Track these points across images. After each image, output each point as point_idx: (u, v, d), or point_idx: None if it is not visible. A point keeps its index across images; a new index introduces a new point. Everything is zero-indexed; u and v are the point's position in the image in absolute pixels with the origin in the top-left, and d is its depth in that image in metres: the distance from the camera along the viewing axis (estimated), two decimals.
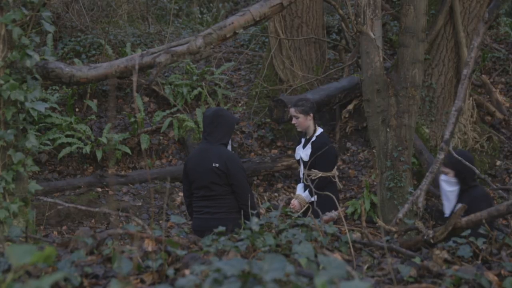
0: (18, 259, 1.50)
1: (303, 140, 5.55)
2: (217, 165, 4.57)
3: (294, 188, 8.18)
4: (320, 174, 5.31)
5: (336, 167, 5.50)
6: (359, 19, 6.50)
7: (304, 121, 5.42)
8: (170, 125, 8.99)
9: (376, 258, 2.47)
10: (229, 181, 4.59)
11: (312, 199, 5.33)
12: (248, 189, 4.63)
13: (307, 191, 5.43)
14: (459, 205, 2.70)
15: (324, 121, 9.09)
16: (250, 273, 1.55)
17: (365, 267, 2.33)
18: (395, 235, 2.88)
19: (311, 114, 5.41)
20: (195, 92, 9.30)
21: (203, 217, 4.66)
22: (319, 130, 5.47)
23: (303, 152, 5.47)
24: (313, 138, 5.42)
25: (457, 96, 4.22)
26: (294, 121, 5.47)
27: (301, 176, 5.52)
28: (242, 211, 4.51)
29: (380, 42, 6.44)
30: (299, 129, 5.52)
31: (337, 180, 5.48)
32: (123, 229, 2.52)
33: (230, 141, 4.80)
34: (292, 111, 5.46)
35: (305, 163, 5.43)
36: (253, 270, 1.54)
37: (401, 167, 6.44)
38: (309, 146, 5.43)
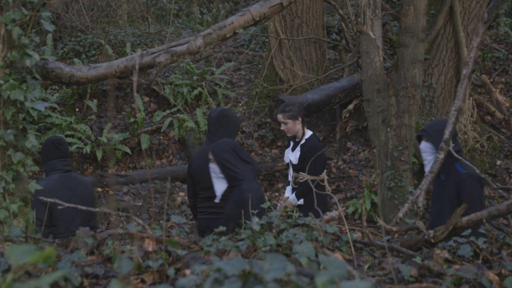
0: (18, 259, 1.49)
1: (292, 143, 5.51)
2: None
3: None
4: (307, 177, 5.27)
5: (325, 170, 5.47)
6: (359, 19, 6.49)
7: (293, 126, 5.33)
8: (170, 125, 8.99)
9: (377, 258, 2.47)
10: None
11: (299, 202, 5.33)
12: None
13: (293, 194, 5.39)
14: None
15: (324, 121, 9.09)
16: (250, 272, 1.54)
17: (366, 266, 2.33)
18: (396, 235, 2.88)
19: (300, 118, 5.35)
20: (195, 92, 9.30)
21: (208, 217, 4.66)
22: (309, 133, 5.42)
23: (292, 155, 5.43)
24: (302, 141, 5.38)
25: (457, 96, 4.21)
26: (283, 127, 5.37)
27: (290, 179, 5.50)
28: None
29: (380, 42, 6.44)
30: (289, 135, 5.43)
31: (326, 184, 5.43)
32: (123, 229, 2.52)
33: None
34: (280, 117, 5.35)
35: (294, 166, 5.40)
36: (254, 269, 1.54)
37: (401, 166, 6.44)
38: (298, 149, 5.38)
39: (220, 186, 4.34)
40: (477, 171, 4.24)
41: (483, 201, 4.39)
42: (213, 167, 4.34)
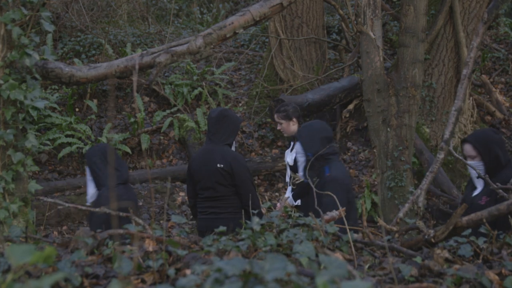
0: (18, 259, 1.49)
1: (292, 143, 5.55)
2: (222, 165, 4.55)
3: None
4: (302, 178, 5.28)
5: None
6: (359, 19, 6.49)
7: (287, 127, 5.40)
8: (171, 125, 8.99)
9: (377, 258, 2.46)
10: (234, 181, 4.57)
11: (296, 203, 5.33)
12: (252, 189, 4.60)
13: (291, 195, 5.41)
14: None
15: (325, 121, 9.08)
16: (251, 272, 1.54)
17: (366, 266, 2.33)
18: (396, 235, 2.88)
19: (294, 119, 5.38)
20: (196, 92, 9.30)
21: (208, 217, 4.65)
22: None
23: (289, 156, 5.46)
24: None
25: (457, 96, 4.22)
26: (278, 127, 5.47)
27: (287, 180, 5.53)
28: (245, 211, 4.50)
29: (380, 42, 6.43)
30: (285, 135, 5.54)
31: None
32: (123, 229, 2.51)
33: (234, 141, 4.80)
34: (275, 117, 5.47)
35: (291, 167, 5.42)
36: (254, 269, 1.54)
37: (401, 166, 6.44)
38: (295, 150, 5.42)
39: (90, 188, 4.34)
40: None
41: (351, 204, 4.21)
42: (86, 169, 4.36)
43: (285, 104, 5.55)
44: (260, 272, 1.53)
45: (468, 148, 4.01)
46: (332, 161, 4.20)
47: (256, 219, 2.41)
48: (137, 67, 4.51)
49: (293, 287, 1.56)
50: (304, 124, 4.53)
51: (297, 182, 5.32)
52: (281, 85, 9.20)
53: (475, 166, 3.92)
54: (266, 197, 8.00)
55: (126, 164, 4.49)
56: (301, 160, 4.33)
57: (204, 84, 9.40)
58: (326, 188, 4.02)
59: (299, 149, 4.34)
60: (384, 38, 9.86)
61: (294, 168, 5.38)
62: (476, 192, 4.07)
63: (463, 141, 4.11)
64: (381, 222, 2.86)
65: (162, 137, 9.03)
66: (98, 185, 4.22)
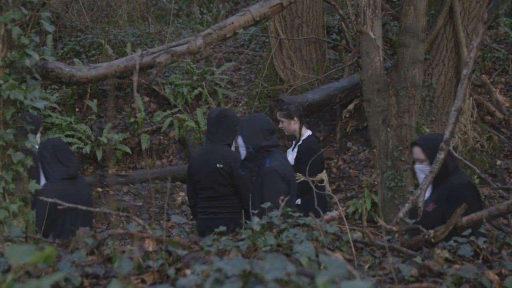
0: (18, 259, 1.49)
1: (294, 142, 5.56)
2: (221, 165, 4.56)
3: None
4: (302, 178, 5.27)
5: (324, 171, 5.46)
6: (359, 19, 6.49)
7: (288, 125, 5.40)
8: (171, 125, 8.99)
9: (377, 258, 2.46)
10: (233, 181, 4.57)
11: (296, 202, 5.33)
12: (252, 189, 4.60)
13: None
14: None
15: (325, 121, 9.09)
16: (251, 272, 1.54)
17: (366, 266, 2.33)
18: (396, 235, 2.88)
19: (296, 118, 5.38)
20: (196, 92, 9.30)
21: (208, 217, 4.66)
22: (307, 134, 5.45)
23: (290, 156, 5.47)
24: (300, 142, 5.42)
25: (457, 96, 4.21)
26: (280, 125, 5.49)
27: None
28: (245, 211, 4.50)
29: (380, 42, 6.43)
30: (286, 133, 5.56)
31: (326, 184, 5.42)
32: (123, 229, 2.51)
33: (234, 141, 4.80)
34: (277, 115, 5.49)
35: (292, 166, 5.42)
36: (254, 269, 1.54)
37: (401, 166, 6.44)
38: (295, 149, 5.43)
39: (41, 182, 4.37)
40: (478, 170, 4.20)
41: (292, 195, 4.23)
42: (38, 164, 4.39)
43: (288, 103, 5.58)
44: (260, 272, 1.53)
45: (417, 151, 4.01)
46: (273, 153, 4.20)
47: (256, 219, 2.41)
48: (137, 67, 4.51)
49: (293, 287, 1.56)
50: (245, 118, 4.54)
51: (297, 181, 5.32)
52: (281, 85, 9.20)
53: (424, 170, 3.92)
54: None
55: (76, 160, 4.51)
56: (243, 153, 4.33)
57: (204, 84, 9.40)
58: (265, 179, 4.05)
59: (240, 142, 4.33)
60: (384, 38, 9.86)
61: (295, 168, 5.38)
62: None
63: (412, 144, 4.10)
64: (381, 222, 2.86)
65: (162, 137, 9.03)
66: (47, 179, 4.27)
